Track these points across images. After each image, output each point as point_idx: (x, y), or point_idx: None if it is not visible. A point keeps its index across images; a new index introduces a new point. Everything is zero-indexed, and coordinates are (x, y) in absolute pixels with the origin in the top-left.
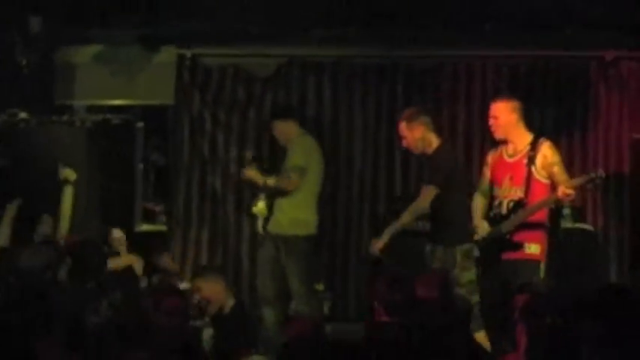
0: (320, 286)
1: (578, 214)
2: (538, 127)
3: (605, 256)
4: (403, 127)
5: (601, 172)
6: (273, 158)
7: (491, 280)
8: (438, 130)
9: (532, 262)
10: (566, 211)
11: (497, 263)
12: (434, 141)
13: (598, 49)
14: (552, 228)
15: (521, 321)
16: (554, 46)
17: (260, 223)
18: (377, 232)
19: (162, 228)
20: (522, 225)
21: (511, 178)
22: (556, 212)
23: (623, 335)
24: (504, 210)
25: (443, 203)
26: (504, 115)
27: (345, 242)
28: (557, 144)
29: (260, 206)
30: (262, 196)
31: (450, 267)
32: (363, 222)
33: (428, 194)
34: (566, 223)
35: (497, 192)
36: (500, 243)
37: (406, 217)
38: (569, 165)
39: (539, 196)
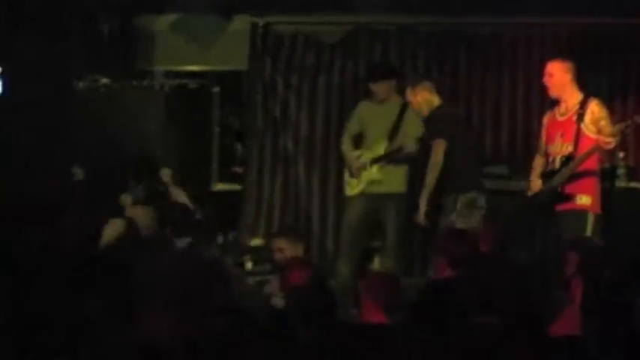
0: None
1: (633, 174)
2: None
3: None
4: (408, 92)
5: (636, 118)
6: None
7: (544, 234)
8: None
9: (581, 212)
10: (621, 170)
11: (551, 217)
12: (436, 102)
13: None
14: (607, 187)
15: (578, 275)
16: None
17: (354, 185)
18: None
19: (237, 187)
20: (573, 177)
21: (562, 135)
22: (610, 171)
23: None
24: (556, 165)
25: (448, 155)
26: (559, 74)
27: None
28: (610, 107)
29: (374, 170)
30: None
31: (450, 214)
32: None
33: (439, 148)
34: (621, 183)
35: (551, 149)
36: (552, 196)
37: (430, 178)
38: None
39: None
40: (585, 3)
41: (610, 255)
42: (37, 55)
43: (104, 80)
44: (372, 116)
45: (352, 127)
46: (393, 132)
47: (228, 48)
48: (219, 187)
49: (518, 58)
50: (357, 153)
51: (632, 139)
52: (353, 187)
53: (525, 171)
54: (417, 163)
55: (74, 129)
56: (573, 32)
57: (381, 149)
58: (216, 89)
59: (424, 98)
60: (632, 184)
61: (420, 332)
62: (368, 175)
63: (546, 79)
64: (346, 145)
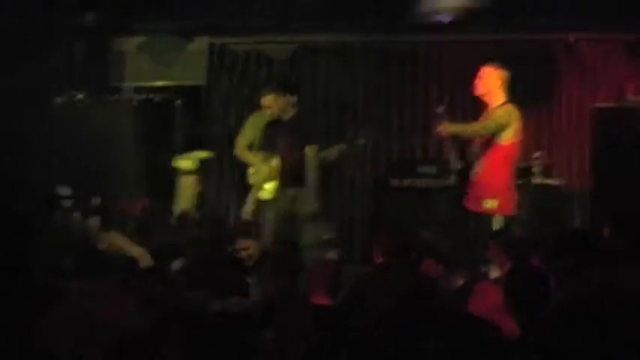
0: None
1: (548, 171)
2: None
3: (570, 208)
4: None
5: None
6: None
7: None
8: None
9: (488, 216)
10: (536, 169)
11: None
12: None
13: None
14: (524, 183)
15: (502, 256)
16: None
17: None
18: None
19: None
20: (480, 182)
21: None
22: (526, 169)
23: (585, 269)
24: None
25: None
26: (489, 78)
27: None
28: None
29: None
30: None
31: None
32: None
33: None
34: (536, 179)
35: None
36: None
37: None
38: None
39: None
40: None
41: (528, 241)
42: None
43: (80, 96)
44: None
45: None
46: None
47: (189, 65)
48: None
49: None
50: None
51: (546, 140)
52: (270, 192)
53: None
54: None
55: (54, 140)
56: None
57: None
58: (179, 102)
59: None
60: (547, 181)
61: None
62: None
63: (477, 81)
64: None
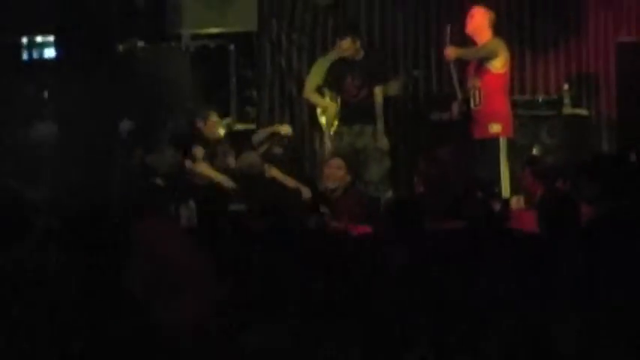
0: None
1: (576, 102)
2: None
3: (598, 135)
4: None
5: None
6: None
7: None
8: None
9: (494, 140)
10: (566, 100)
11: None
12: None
13: None
14: (555, 114)
15: (535, 182)
16: None
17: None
18: None
19: (252, 127)
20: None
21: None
22: (558, 100)
23: (614, 192)
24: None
25: None
26: (479, 17)
27: None
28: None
29: None
30: None
31: None
32: None
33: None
34: (567, 110)
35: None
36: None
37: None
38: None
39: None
40: None
41: (559, 168)
42: (84, 24)
43: (140, 43)
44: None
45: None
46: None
47: (240, 13)
48: (238, 126)
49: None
50: (327, 99)
51: (575, 72)
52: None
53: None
54: None
55: (118, 86)
56: None
57: None
58: (232, 47)
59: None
60: (576, 110)
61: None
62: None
63: (468, 20)
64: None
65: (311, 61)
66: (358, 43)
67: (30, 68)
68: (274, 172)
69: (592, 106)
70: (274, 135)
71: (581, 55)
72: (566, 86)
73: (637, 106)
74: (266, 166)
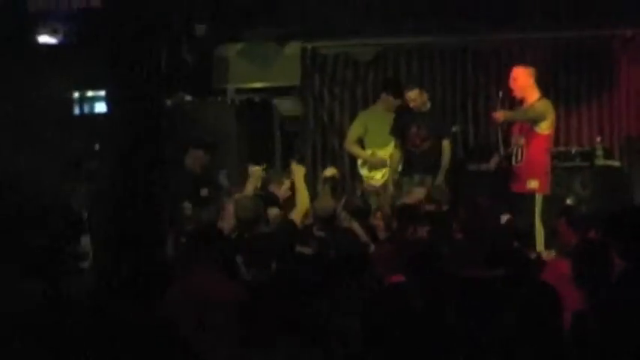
0: None
1: (609, 154)
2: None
3: (630, 186)
4: (416, 93)
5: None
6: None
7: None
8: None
9: (530, 195)
10: (599, 152)
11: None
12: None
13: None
14: (588, 165)
15: (569, 231)
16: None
17: (380, 176)
18: None
19: None
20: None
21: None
22: (590, 152)
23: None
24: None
25: None
26: (522, 78)
27: None
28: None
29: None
30: None
31: None
32: None
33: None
34: (599, 161)
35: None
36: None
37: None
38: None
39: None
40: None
41: (594, 217)
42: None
43: (187, 97)
44: (378, 122)
45: (357, 131)
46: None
47: (284, 68)
48: None
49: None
50: (368, 151)
51: (607, 126)
52: (378, 179)
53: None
54: None
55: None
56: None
57: (391, 149)
58: (276, 101)
59: (424, 99)
60: (609, 162)
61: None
62: (389, 168)
63: (512, 83)
64: (355, 146)
65: (352, 115)
66: (425, 95)
67: (82, 122)
68: (355, 226)
69: (624, 157)
70: (325, 180)
71: (612, 109)
72: (598, 138)
73: None
74: (344, 215)
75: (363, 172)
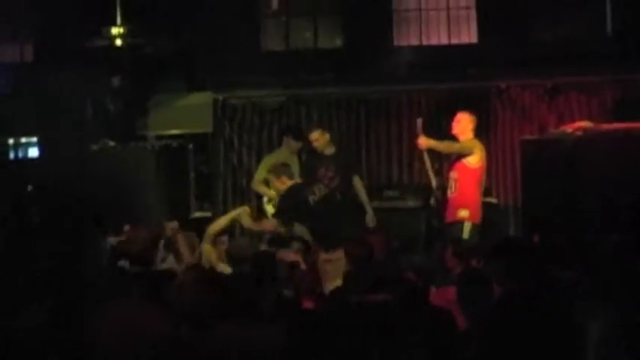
0: None
1: (487, 192)
2: None
3: (506, 220)
4: (318, 134)
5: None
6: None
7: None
8: None
9: (460, 223)
10: None
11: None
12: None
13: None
14: None
15: (456, 261)
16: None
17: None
18: None
19: (209, 214)
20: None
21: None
22: None
23: (516, 273)
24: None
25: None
26: (464, 121)
27: None
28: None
29: None
30: None
31: None
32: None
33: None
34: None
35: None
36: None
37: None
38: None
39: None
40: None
41: (475, 248)
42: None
43: (111, 143)
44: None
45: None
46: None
47: (197, 116)
48: (197, 214)
49: (401, 115)
50: (272, 191)
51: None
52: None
53: (411, 192)
54: None
55: (90, 181)
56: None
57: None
58: (191, 146)
59: (326, 140)
60: (487, 199)
61: None
62: None
63: (454, 125)
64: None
65: (259, 158)
66: (327, 136)
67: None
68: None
69: (500, 194)
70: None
71: (490, 152)
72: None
73: (537, 193)
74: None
75: (268, 208)
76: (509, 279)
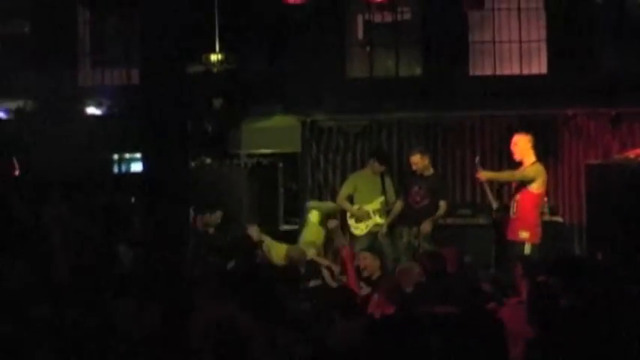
0: None
1: (554, 210)
2: None
3: (572, 238)
4: (418, 157)
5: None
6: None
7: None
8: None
9: (521, 244)
10: (545, 209)
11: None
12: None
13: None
14: None
15: (524, 278)
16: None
17: (362, 228)
18: None
19: (296, 227)
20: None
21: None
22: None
23: (578, 287)
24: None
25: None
26: (522, 143)
27: None
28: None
29: (377, 218)
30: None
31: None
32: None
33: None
34: (545, 217)
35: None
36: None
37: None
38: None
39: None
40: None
41: (541, 265)
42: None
43: (208, 160)
44: (365, 183)
45: (348, 190)
46: (382, 193)
47: (287, 137)
48: (285, 227)
49: (474, 139)
50: (356, 206)
51: (550, 187)
52: (362, 230)
53: (482, 211)
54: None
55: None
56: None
57: (376, 204)
58: (280, 164)
59: (425, 163)
60: (554, 218)
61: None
62: (374, 221)
63: (512, 147)
64: (345, 202)
65: (343, 176)
66: (426, 159)
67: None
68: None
69: (566, 214)
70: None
71: (557, 175)
72: (545, 198)
73: (602, 214)
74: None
75: (351, 222)
76: (571, 292)
